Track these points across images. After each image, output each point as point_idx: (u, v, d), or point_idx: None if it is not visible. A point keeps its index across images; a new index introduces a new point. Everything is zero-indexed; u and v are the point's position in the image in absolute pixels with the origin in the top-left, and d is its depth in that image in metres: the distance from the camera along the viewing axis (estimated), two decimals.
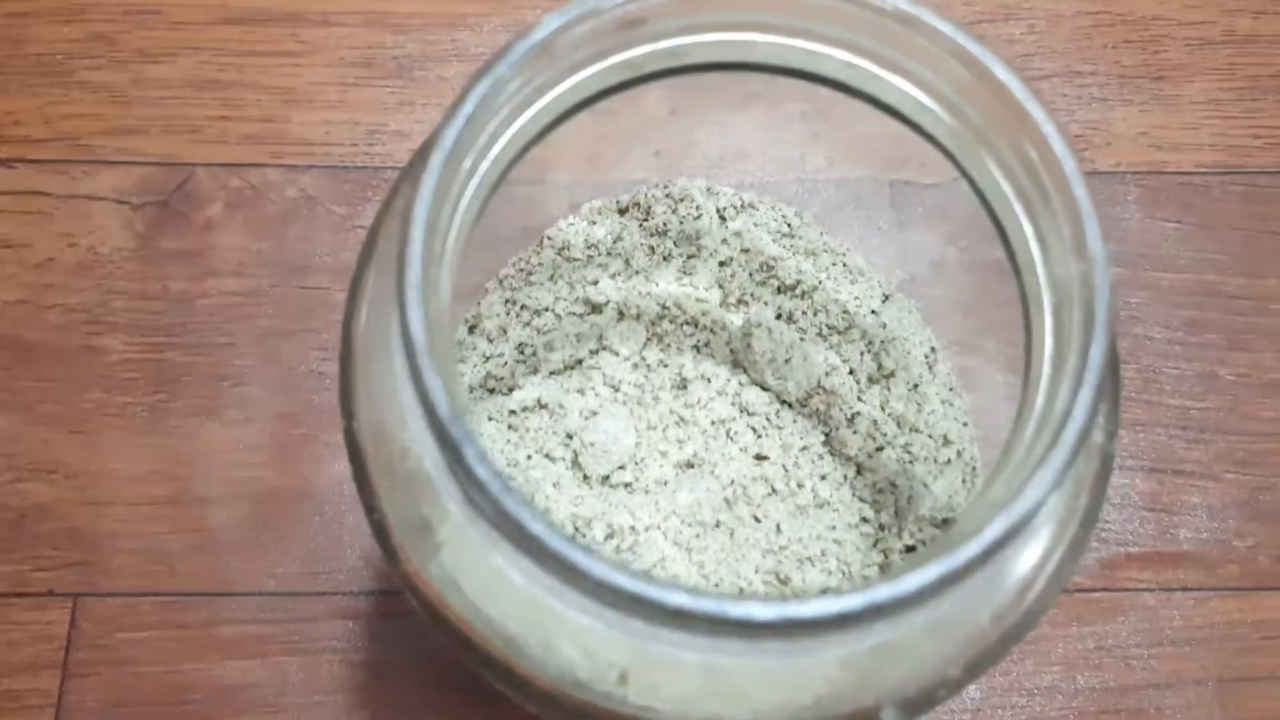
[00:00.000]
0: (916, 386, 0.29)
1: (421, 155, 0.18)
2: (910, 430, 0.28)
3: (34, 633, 0.32)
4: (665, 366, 0.28)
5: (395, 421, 0.20)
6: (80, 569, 0.33)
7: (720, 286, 0.29)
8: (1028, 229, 0.20)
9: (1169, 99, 0.40)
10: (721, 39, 0.21)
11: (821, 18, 0.20)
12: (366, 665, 0.33)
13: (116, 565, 0.33)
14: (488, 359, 0.28)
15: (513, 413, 0.27)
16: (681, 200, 0.29)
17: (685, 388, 0.28)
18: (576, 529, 0.26)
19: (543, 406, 0.27)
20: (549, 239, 0.29)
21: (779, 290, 0.29)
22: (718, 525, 0.26)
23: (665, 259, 0.29)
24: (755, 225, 0.30)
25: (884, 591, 0.16)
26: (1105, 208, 0.39)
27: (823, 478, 0.27)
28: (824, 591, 0.16)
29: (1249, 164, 0.40)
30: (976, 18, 0.41)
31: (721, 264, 0.29)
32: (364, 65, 0.40)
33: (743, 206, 0.30)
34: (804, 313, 0.29)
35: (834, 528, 0.27)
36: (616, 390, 0.28)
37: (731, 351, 0.28)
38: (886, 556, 0.27)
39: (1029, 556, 0.20)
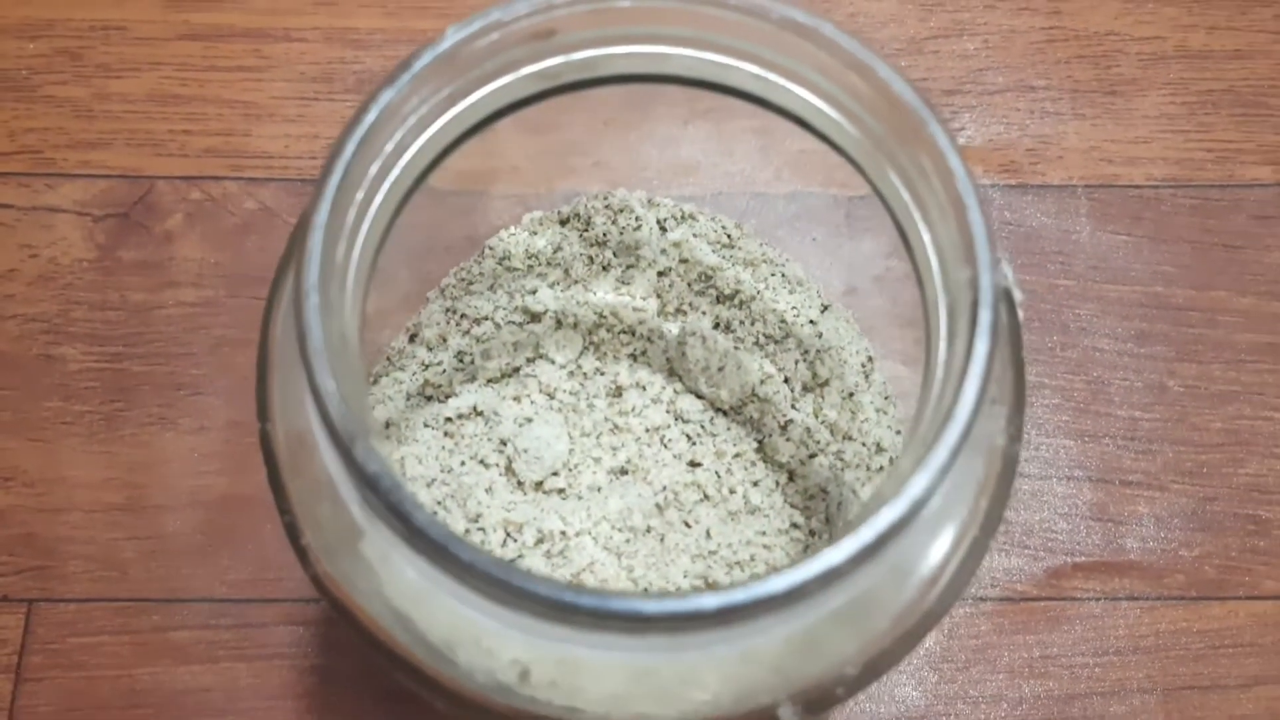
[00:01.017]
0: (851, 395, 0.29)
1: (324, 167, 0.19)
2: (843, 438, 0.29)
3: None
4: (601, 374, 0.29)
5: (306, 426, 0.20)
6: (35, 574, 0.34)
7: (658, 296, 0.30)
8: (926, 237, 0.20)
9: (1121, 113, 0.41)
10: (635, 51, 0.22)
11: (729, 31, 0.21)
12: (316, 670, 0.33)
13: (71, 571, 0.34)
14: (427, 367, 0.29)
15: (448, 420, 0.27)
16: (621, 211, 0.30)
17: (620, 395, 0.28)
18: (508, 534, 0.26)
19: (479, 413, 0.28)
20: (490, 249, 0.30)
21: (717, 300, 0.30)
22: (648, 530, 0.27)
23: (604, 269, 0.30)
24: (695, 236, 0.30)
25: (755, 590, 0.16)
26: (1056, 220, 0.39)
27: (755, 484, 0.28)
28: (698, 591, 0.16)
29: (1199, 177, 0.40)
30: (930, 33, 0.42)
31: (660, 274, 0.30)
32: (324, 80, 0.40)
33: (683, 217, 0.30)
34: (741, 322, 0.30)
35: (764, 533, 0.27)
36: (552, 398, 0.28)
37: (667, 360, 0.29)
38: None
39: (930, 558, 0.20)
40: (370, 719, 0.33)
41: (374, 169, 0.19)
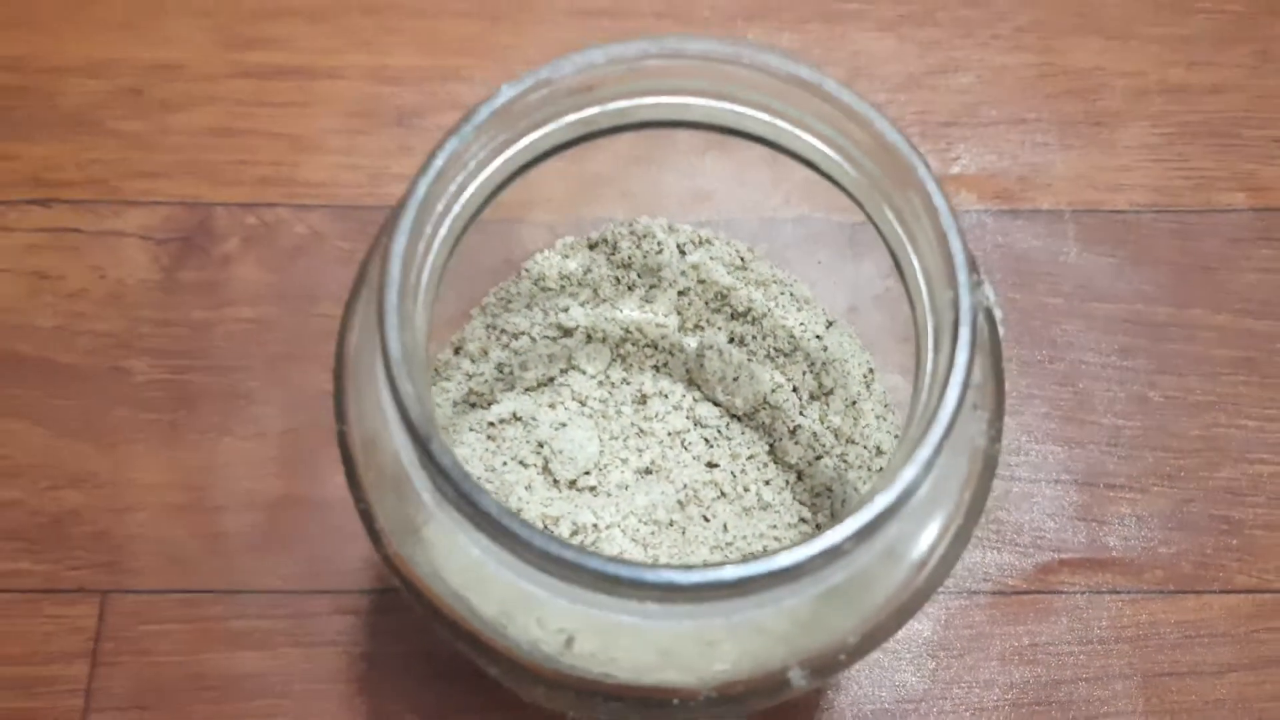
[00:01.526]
0: (854, 403, 0.32)
1: (400, 203, 0.22)
2: (846, 442, 0.31)
3: (66, 626, 0.35)
4: (627, 384, 0.32)
5: (380, 426, 0.23)
6: (107, 568, 0.36)
7: (678, 313, 0.33)
8: (915, 263, 0.23)
9: (1106, 143, 0.43)
10: (662, 101, 0.25)
11: (743, 84, 0.24)
12: (364, 656, 0.36)
13: (140, 565, 0.36)
14: (470, 377, 0.31)
15: (491, 424, 0.30)
16: (645, 237, 0.33)
17: (645, 403, 0.31)
18: (545, 526, 0.29)
19: (518, 419, 0.31)
20: (526, 271, 0.33)
21: (731, 317, 0.33)
22: (671, 524, 0.30)
23: (629, 289, 0.32)
24: (711, 259, 0.33)
25: (767, 564, 0.19)
26: (1046, 242, 0.42)
27: (766, 483, 0.31)
28: (720, 564, 0.19)
29: (1178, 203, 0.43)
30: (928, 70, 0.44)
31: (680, 293, 0.33)
32: (366, 115, 0.43)
33: (700, 242, 0.33)
34: (753, 337, 0.32)
35: (775, 526, 0.30)
36: (584, 405, 0.31)
37: (687, 371, 0.32)
38: None
39: (920, 544, 0.23)
40: (414, 700, 0.35)
41: (440, 206, 0.22)
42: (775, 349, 0.32)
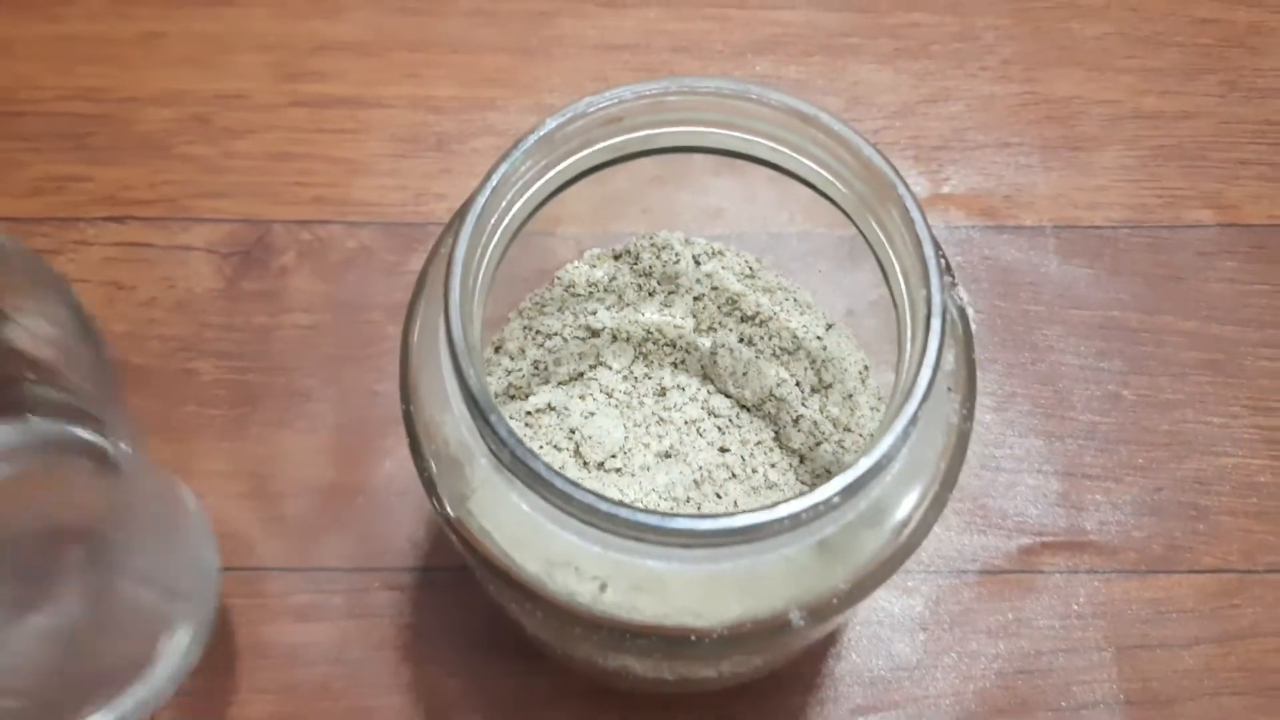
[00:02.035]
0: (851, 396, 0.36)
1: (459, 215, 0.26)
2: (844, 430, 0.35)
3: None
4: (649, 378, 0.36)
5: (441, 405, 0.27)
6: None
7: (694, 316, 0.36)
8: (897, 267, 0.27)
9: (1084, 165, 0.47)
10: (680, 130, 0.29)
11: (749, 116, 0.28)
12: (409, 628, 0.39)
13: None
14: (509, 372, 0.35)
15: (528, 414, 0.34)
16: (664, 248, 0.36)
17: (664, 395, 0.35)
18: None
19: (552, 409, 0.34)
20: (558, 279, 0.37)
21: (741, 319, 0.36)
22: (688, 501, 0.33)
23: (650, 294, 0.36)
24: (723, 268, 0.37)
25: (771, 513, 0.23)
26: (1028, 255, 0.45)
27: (772, 465, 0.34)
28: (732, 513, 0.23)
29: (1151, 220, 0.46)
30: (921, 97, 0.48)
31: (695, 298, 0.36)
32: (410, 140, 0.47)
33: (713, 253, 0.37)
34: (761, 337, 0.36)
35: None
36: (610, 396, 0.35)
37: (702, 367, 0.36)
38: None
39: (902, 507, 0.27)
40: (454, 667, 0.38)
41: (493, 219, 0.26)
42: (780, 348, 0.36)
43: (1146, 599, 0.40)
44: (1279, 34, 0.50)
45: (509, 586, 0.27)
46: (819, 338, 0.36)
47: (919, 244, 0.25)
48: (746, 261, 0.37)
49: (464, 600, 0.40)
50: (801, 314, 0.37)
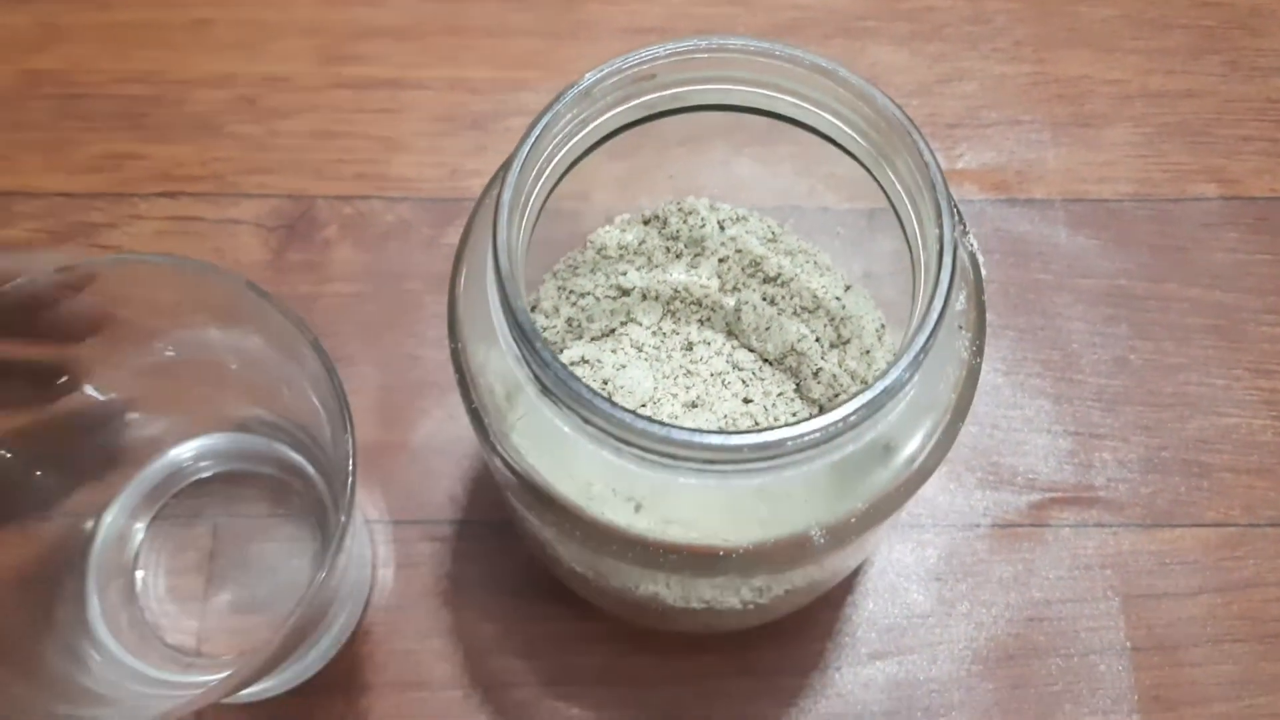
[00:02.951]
0: (868, 352, 0.38)
1: (505, 164, 0.28)
2: (861, 382, 0.37)
3: (185, 543, 0.40)
4: (677, 334, 0.38)
5: (486, 342, 0.29)
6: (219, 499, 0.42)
7: (719, 277, 0.38)
8: (911, 212, 0.29)
9: (1092, 141, 0.49)
10: (708, 88, 0.31)
11: (774, 73, 0.30)
12: (448, 576, 0.41)
13: (248, 494, 0.41)
14: (544, 329, 0.38)
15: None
16: (690, 213, 0.39)
17: (691, 349, 0.37)
18: None
19: (585, 362, 0.36)
20: (590, 242, 0.39)
21: (764, 280, 0.38)
22: None
23: (677, 256, 0.38)
24: (747, 232, 0.39)
25: (794, 430, 0.25)
26: (1038, 227, 0.47)
27: (793, 415, 0.36)
28: (760, 429, 0.25)
29: (1156, 193, 0.48)
30: (936, 78, 0.50)
31: (720, 260, 0.38)
32: (447, 119, 0.49)
33: (738, 218, 0.39)
34: (783, 296, 0.38)
35: None
36: (640, 350, 0.37)
37: (726, 324, 0.38)
38: None
39: (918, 435, 0.29)
40: (490, 612, 0.40)
41: (535, 168, 0.28)
42: (801, 307, 0.38)
43: (1152, 551, 0.42)
44: (1279, 16, 0.51)
45: (549, 510, 0.29)
46: (838, 298, 0.38)
47: (931, 186, 0.27)
48: (769, 226, 0.39)
49: (500, 550, 0.42)
50: (821, 275, 0.39)
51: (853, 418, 0.26)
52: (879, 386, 0.26)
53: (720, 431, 0.25)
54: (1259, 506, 0.42)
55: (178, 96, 0.49)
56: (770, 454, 0.26)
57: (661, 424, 0.25)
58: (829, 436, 0.26)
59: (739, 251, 0.38)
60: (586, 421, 0.26)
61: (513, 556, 0.41)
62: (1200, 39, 0.51)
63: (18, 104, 0.49)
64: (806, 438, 0.26)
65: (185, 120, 0.49)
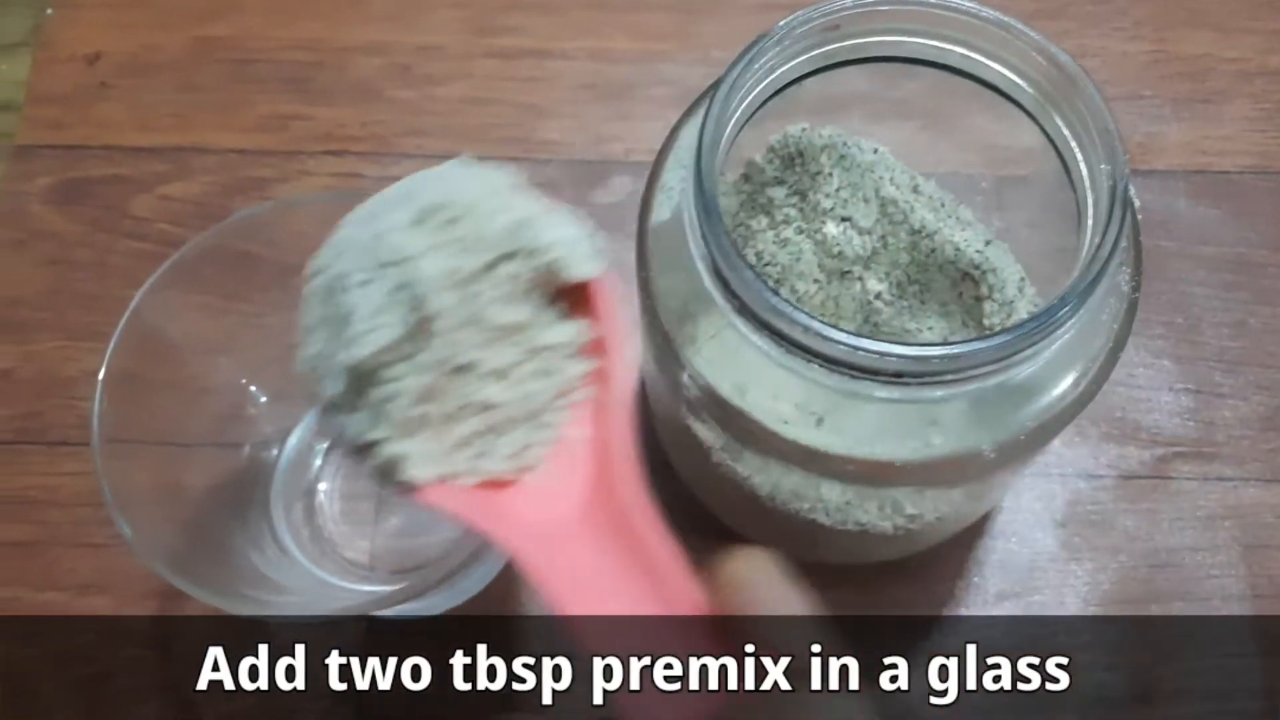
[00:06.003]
0: (1011, 303, 0.40)
1: (709, 91, 0.30)
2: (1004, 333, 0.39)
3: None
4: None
5: (677, 269, 0.32)
6: None
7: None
8: (1079, 156, 0.31)
9: (1213, 116, 0.51)
10: (885, 39, 0.33)
11: (947, 25, 0.32)
12: None
13: None
14: None
15: None
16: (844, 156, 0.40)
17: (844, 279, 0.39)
18: None
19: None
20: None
21: (910, 232, 0.41)
22: None
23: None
24: (892, 181, 0.41)
25: (976, 344, 0.27)
26: (1161, 197, 0.49)
27: None
28: (945, 343, 0.27)
29: (1274, 166, 0.49)
30: None
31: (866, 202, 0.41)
32: (590, 88, 0.52)
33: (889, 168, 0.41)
34: (929, 250, 0.40)
35: None
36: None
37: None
38: None
39: (1081, 361, 0.31)
40: None
41: (735, 100, 0.31)
42: (945, 260, 0.40)
43: (1272, 505, 0.44)
44: None
45: (735, 422, 0.31)
46: (979, 251, 0.40)
47: (1106, 132, 0.30)
48: (912, 178, 0.41)
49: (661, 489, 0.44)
50: (963, 230, 0.41)
51: (1034, 334, 0.28)
52: (1060, 304, 0.28)
53: (907, 343, 0.27)
54: None
55: (339, 63, 0.52)
56: (958, 365, 0.28)
57: (854, 336, 0.27)
58: (1010, 351, 0.28)
59: (885, 199, 0.40)
60: (782, 337, 0.28)
61: (676, 495, 0.44)
62: None
63: (193, 68, 0.52)
64: (991, 349, 0.28)
65: (346, 85, 0.52)
